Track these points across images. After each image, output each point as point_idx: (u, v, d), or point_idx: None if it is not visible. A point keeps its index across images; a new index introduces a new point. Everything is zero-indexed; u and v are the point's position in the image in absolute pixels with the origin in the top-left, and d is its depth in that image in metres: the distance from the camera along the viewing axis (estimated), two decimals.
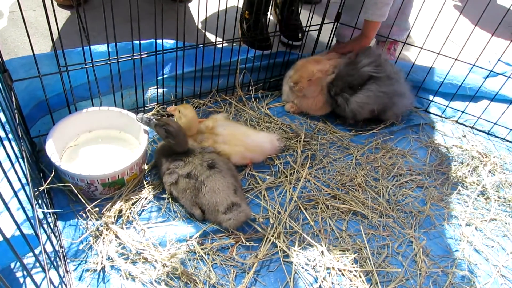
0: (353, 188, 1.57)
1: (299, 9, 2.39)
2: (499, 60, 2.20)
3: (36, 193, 1.16)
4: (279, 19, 2.42)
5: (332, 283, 1.23)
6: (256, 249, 1.29)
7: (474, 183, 1.71)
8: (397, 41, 2.39)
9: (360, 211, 1.47)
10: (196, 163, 1.36)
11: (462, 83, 2.12)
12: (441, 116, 2.13)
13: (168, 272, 1.18)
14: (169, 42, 1.70)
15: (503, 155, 1.91)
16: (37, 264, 1.12)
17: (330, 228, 1.40)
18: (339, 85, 1.80)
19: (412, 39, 2.66)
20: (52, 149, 1.32)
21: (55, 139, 1.37)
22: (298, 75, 1.83)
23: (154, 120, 1.38)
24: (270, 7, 2.31)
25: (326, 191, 1.53)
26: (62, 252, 1.21)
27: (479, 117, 2.06)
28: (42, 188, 1.23)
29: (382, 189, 1.59)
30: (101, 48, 1.56)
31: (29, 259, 1.15)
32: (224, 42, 1.70)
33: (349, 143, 1.81)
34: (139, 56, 1.50)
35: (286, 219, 1.39)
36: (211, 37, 1.66)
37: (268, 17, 2.37)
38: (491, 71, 2.00)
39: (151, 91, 1.74)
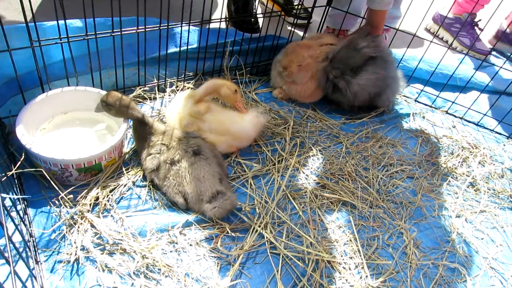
0: (343, 178, 1.51)
1: None
2: (490, 52, 2.18)
3: (3, 178, 1.06)
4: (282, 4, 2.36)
5: (321, 275, 1.18)
6: (242, 240, 1.23)
7: (464, 174, 1.68)
8: (389, 29, 2.34)
9: (349, 201, 1.42)
10: (180, 148, 1.28)
11: (453, 73, 2.09)
12: (431, 106, 2.09)
13: (148, 264, 1.10)
14: (152, 20, 1.60)
15: (492, 146, 1.89)
16: (6, 254, 1.03)
17: (319, 219, 1.35)
18: (340, 68, 1.73)
19: (403, 27, 2.61)
20: (22, 130, 1.22)
21: (26, 120, 1.27)
22: (288, 60, 1.76)
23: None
24: None
25: (315, 180, 1.47)
26: (33, 241, 1.11)
27: (469, 108, 2.03)
28: (10, 173, 1.13)
29: (372, 179, 1.54)
30: (78, 23, 1.45)
31: None
32: (210, 22, 1.61)
33: (339, 131, 1.75)
34: (120, 33, 1.40)
35: (274, 209, 1.33)
36: (197, 18, 1.56)
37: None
38: (483, 61, 1.97)
39: (131, 72, 1.64)
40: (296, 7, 2.36)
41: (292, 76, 1.76)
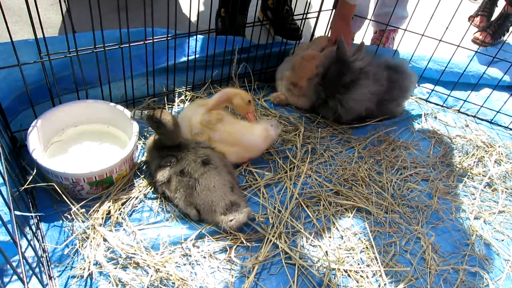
0: (356, 183, 1.49)
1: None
2: (501, 48, 2.13)
3: (15, 194, 1.06)
4: (272, 20, 2.31)
5: (338, 285, 1.15)
6: (256, 250, 1.21)
7: (480, 174, 1.65)
8: (396, 29, 2.31)
9: (364, 207, 1.39)
10: (190, 159, 1.27)
11: (464, 70, 2.05)
12: (442, 106, 2.06)
13: (162, 278, 1.09)
14: (159, 31, 1.59)
15: (508, 144, 1.85)
16: (19, 270, 1.03)
17: (333, 226, 1.32)
18: (331, 87, 1.63)
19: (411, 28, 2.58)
20: (34, 144, 1.22)
21: (37, 134, 1.27)
22: (297, 77, 1.74)
23: (146, 112, 1.29)
24: (248, 5, 2.17)
25: (328, 187, 1.45)
26: (46, 257, 1.11)
27: (481, 106, 1.99)
28: (22, 188, 1.13)
29: (387, 183, 1.51)
30: (87, 36, 1.45)
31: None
32: (218, 30, 1.59)
33: (350, 136, 1.72)
34: (128, 45, 1.40)
35: (287, 218, 1.30)
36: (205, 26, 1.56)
37: (246, 16, 2.21)
38: (494, 57, 1.93)
39: (141, 83, 1.63)
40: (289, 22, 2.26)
41: (302, 91, 1.75)
